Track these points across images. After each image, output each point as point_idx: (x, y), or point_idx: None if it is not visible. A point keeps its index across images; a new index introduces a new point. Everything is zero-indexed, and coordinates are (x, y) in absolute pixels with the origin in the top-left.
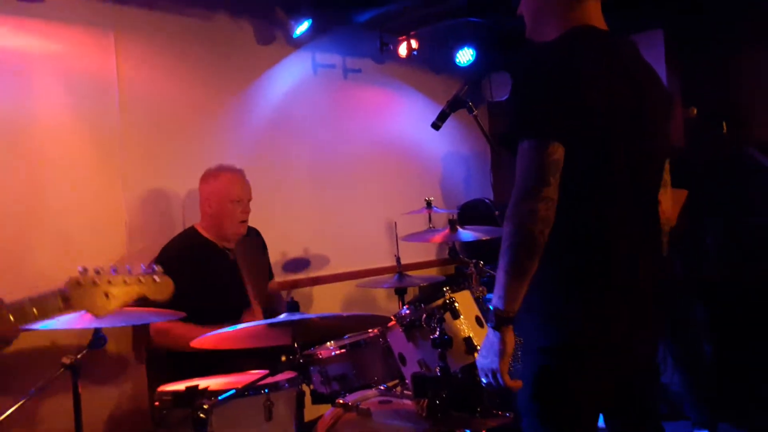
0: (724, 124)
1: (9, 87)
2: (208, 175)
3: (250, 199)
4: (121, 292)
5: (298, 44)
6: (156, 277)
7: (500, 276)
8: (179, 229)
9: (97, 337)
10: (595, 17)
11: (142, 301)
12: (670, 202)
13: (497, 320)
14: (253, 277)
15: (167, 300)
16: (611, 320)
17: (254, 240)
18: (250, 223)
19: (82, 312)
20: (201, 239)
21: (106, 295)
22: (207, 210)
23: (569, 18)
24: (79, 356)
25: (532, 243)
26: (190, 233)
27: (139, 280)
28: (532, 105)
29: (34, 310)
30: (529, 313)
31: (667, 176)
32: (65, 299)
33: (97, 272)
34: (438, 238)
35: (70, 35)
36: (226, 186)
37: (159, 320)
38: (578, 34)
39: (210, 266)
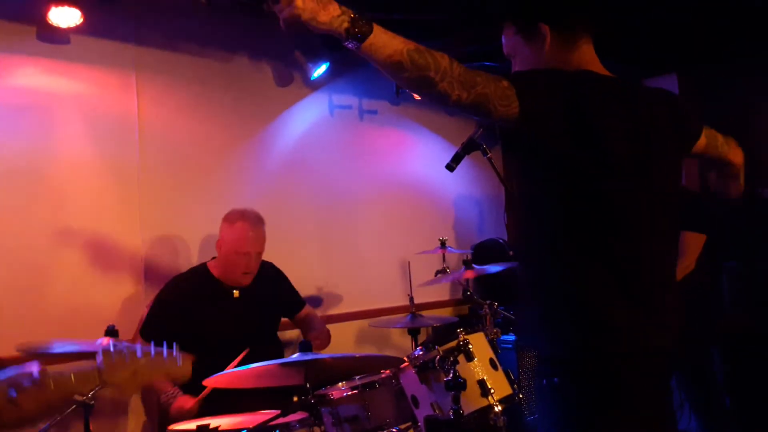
0: None
1: (33, 125)
2: (228, 219)
3: (260, 252)
4: (147, 371)
5: (315, 86)
6: (178, 359)
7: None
8: None
9: None
10: (591, 61)
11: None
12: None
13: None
14: (259, 314)
15: (186, 379)
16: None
17: (265, 276)
18: (268, 259)
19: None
20: (208, 276)
21: (134, 374)
22: (218, 251)
23: (564, 62)
24: (91, 393)
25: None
26: (200, 270)
27: (163, 361)
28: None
29: (74, 380)
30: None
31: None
32: (101, 376)
33: (125, 349)
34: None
35: (93, 76)
36: (238, 237)
37: None
38: (573, 75)
39: (211, 304)
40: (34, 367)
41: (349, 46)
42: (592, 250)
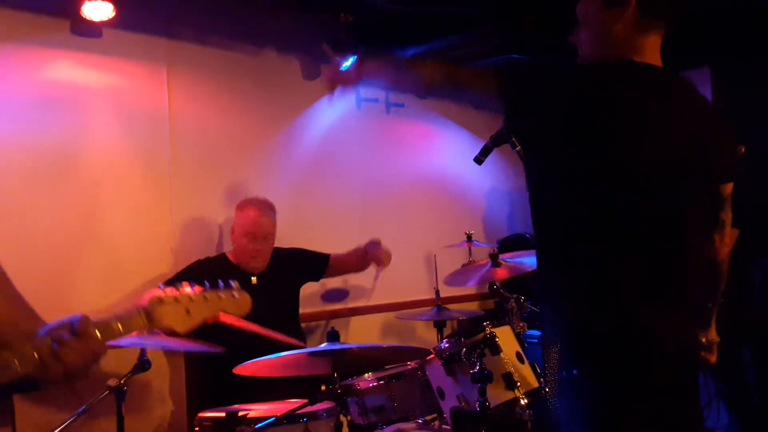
0: None
1: (66, 118)
2: (239, 205)
3: (266, 236)
4: (201, 309)
5: None
6: (235, 293)
7: None
8: None
9: (142, 361)
10: (653, 53)
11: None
12: (725, 241)
13: None
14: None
15: (245, 315)
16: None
17: (278, 259)
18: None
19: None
20: (227, 264)
21: (188, 312)
22: (232, 238)
23: (628, 47)
24: (123, 380)
25: None
26: (219, 257)
27: (219, 297)
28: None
29: (119, 326)
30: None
31: (726, 217)
32: (149, 316)
33: (178, 290)
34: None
35: (125, 69)
36: (245, 220)
37: (196, 349)
38: (623, 66)
39: None
40: (75, 318)
41: None
42: (620, 243)
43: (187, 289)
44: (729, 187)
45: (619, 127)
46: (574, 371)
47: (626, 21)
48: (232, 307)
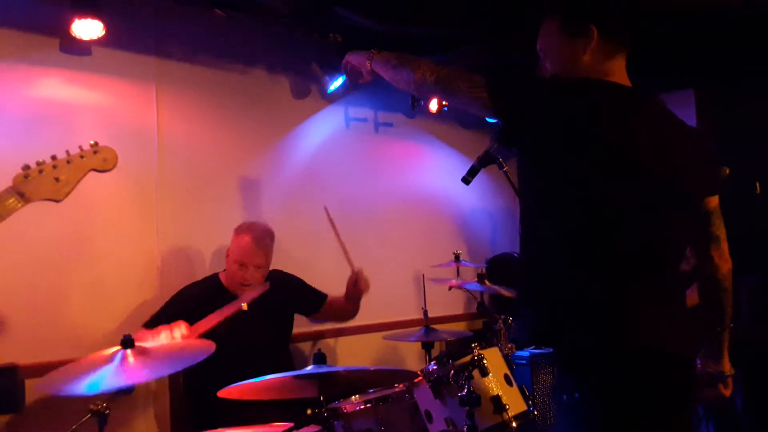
0: (757, 183)
1: (55, 135)
2: (236, 230)
3: (260, 266)
4: (70, 173)
5: (331, 99)
6: (95, 150)
7: None
8: None
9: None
10: (621, 75)
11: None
12: (724, 257)
13: None
14: (268, 325)
15: (115, 166)
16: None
17: (273, 285)
18: (281, 268)
19: (42, 201)
20: (219, 287)
21: (57, 180)
22: (226, 261)
23: (597, 71)
24: (106, 403)
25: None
26: (212, 279)
27: (81, 157)
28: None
29: None
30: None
31: (719, 232)
32: (20, 194)
33: (39, 163)
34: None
35: (114, 87)
36: (239, 247)
37: (190, 364)
38: (598, 83)
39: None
40: None
41: None
42: (614, 258)
43: (48, 160)
44: (714, 201)
45: (607, 141)
46: (576, 395)
47: (593, 50)
48: (99, 163)
